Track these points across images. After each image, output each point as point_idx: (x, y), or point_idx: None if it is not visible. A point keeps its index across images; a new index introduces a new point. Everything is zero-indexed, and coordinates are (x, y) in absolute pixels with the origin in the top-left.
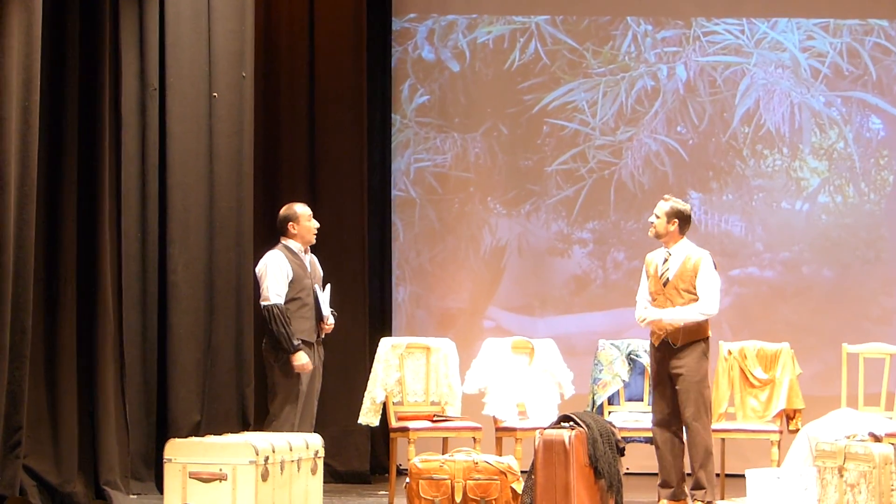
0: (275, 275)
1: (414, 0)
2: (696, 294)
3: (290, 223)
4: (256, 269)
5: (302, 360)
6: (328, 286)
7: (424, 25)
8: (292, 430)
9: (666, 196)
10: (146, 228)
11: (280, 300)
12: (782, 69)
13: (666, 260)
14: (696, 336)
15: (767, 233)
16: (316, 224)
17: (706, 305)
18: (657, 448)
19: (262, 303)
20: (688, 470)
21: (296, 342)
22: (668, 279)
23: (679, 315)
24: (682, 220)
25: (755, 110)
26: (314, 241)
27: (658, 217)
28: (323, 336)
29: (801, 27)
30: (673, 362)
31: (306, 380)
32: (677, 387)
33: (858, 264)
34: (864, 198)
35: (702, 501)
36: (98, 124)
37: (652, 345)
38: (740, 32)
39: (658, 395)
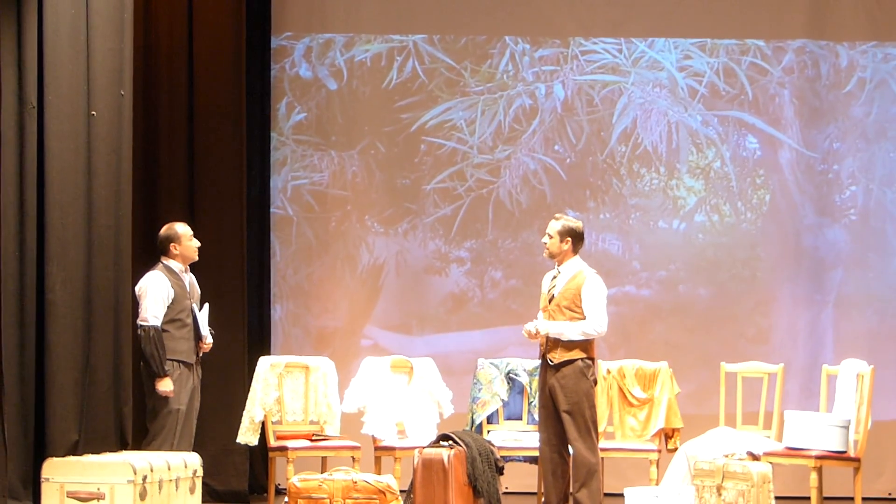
0: (154, 296)
1: (292, 18)
2: (577, 312)
3: (172, 243)
4: (136, 289)
5: (166, 386)
6: (206, 305)
7: (302, 43)
8: (171, 450)
9: (557, 215)
10: (24, 246)
11: (157, 322)
12: (660, 88)
13: (555, 277)
14: (574, 355)
15: (644, 251)
16: (197, 243)
17: (589, 324)
18: (540, 467)
19: (140, 322)
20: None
21: (165, 367)
22: (553, 296)
23: (562, 329)
24: (575, 237)
25: (633, 129)
26: (196, 259)
27: (551, 237)
28: (201, 355)
29: (679, 46)
30: (552, 381)
31: (185, 400)
32: (558, 406)
33: (735, 283)
34: (740, 217)
35: None
36: None
37: (540, 362)
38: (618, 51)
39: (543, 414)
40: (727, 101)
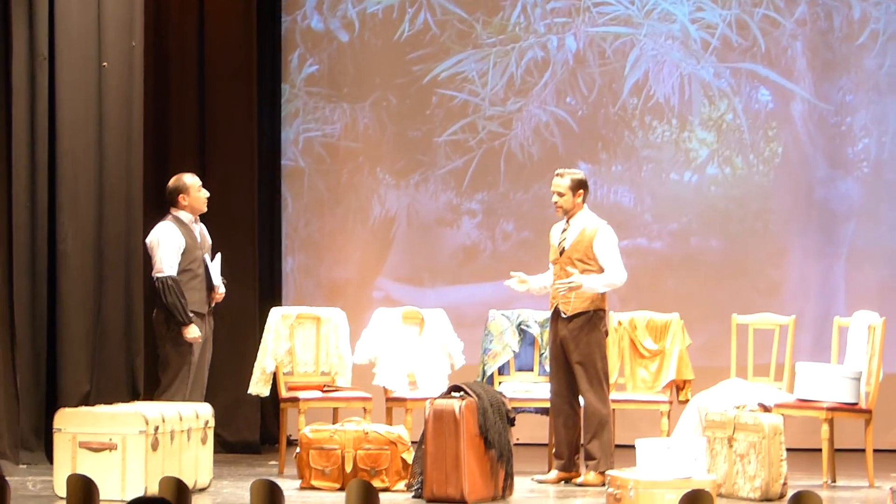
0: (167, 246)
1: None
2: (590, 264)
3: (181, 194)
4: (147, 241)
5: (194, 332)
6: (218, 255)
7: None
8: (183, 401)
9: (559, 171)
10: (35, 197)
11: (173, 272)
12: (672, 40)
13: (564, 230)
14: (586, 306)
15: (656, 204)
16: (206, 194)
17: (611, 276)
18: (551, 418)
19: (156, 275)
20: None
21: (189, 314)
22: (564, 248)
23: (596, 283)
24: (585, 188)
25: (645, 81)
26: (205, 210)
27: (562, 194)
28: (213, 305)
29: None
30: (564, 332)
31: (197, 350)
32: (570, 357)
33: (746, 236)
34: (752, 169)
35: (594, 472)
36: None
37: (551, 313)
38: (630, 3)
39: (554, 366)
40: (739, 53)
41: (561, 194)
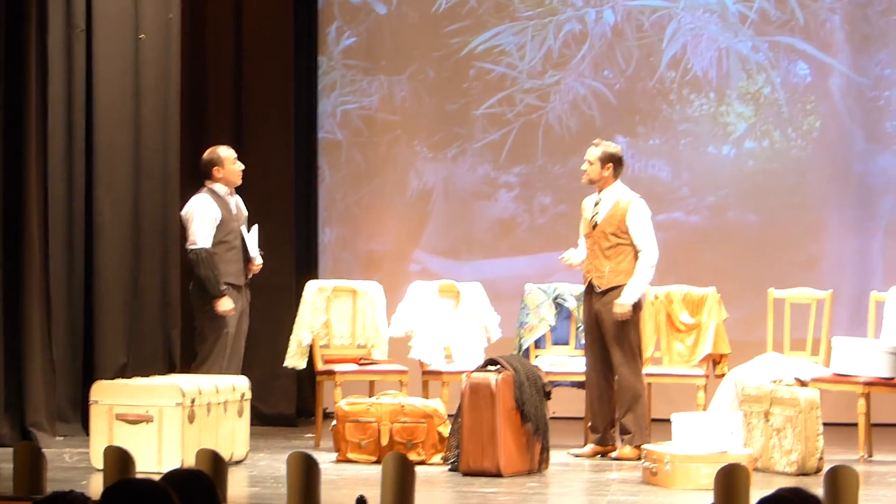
0: (201, 218)
1: None
2: (623, 238)
3: (215, 167)
4: (182, 213)
5: (226, 305)
6: (255, 226)
7: None
8: (220, 373)
9: (595, 141)
10: (72, 170)
11: (207, 244)
12: (710, 14)
13: (597, 203)
14: (620, 280)
15: (693, 177)
16: (241, 166)
17: (648, 257)
18: (587, 392)
19: (189, 247)
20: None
21: (222, 287)
22: (596, 223)
23: (639, 286)
24: (616, 163)
25: (682, 55)
26: (240, 183)
27: (591, 163)
28: (250, 277)
29: None
30: (598, 306)
31: (233, 323)
32: (604, 332)
33: (784, 209)
34: (790, 143)
35: (630, 446)
36: (24, 65)
37: (584, 288)
38: None
39: (588, 340)
40: (777, 26)
41: (590, 163)
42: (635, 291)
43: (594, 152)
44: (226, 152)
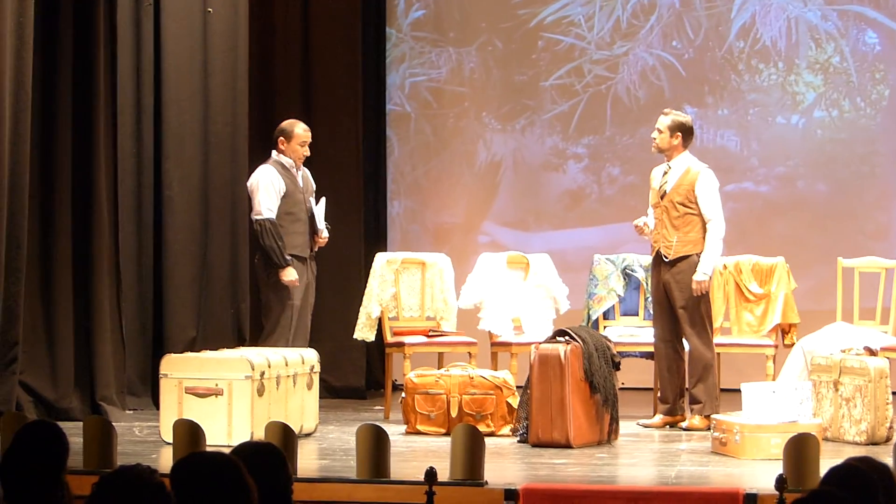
0: (266, 189)
1: None
2: (691, 208)
3: (281, 137)
4: (248, 184)
5: (290, 275)
6: (323, 199)
7: None
8: (287, 346)
9: (666, 110)
10: (141, 144)
11: (271, 214)
12: None
13: (666, 173)
14: (689, 250)
15: (762, 147)
16: (307, 151)
17: (717, 228)
18: (656, 363)
19: (254, 217)
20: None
21: (287, 257)
22: (665, 192)
23: (713, 258)
24: (685, 132)
25: (751, 24)
26: (303, 161)
27: (661, 131)
28: (316, 250)
29: None
30: (667, 277)
31: (299, 295)
32: (673, 302)
33: (853, 179)
34: (859, 112)
35: (699, 416)
36: (93, 40)
37: (652, 258)
38: None
39: (657, 311)
40: None
41: (660, 131)
42: (710, 264)
43: (664, 120)
44: (299, 129)
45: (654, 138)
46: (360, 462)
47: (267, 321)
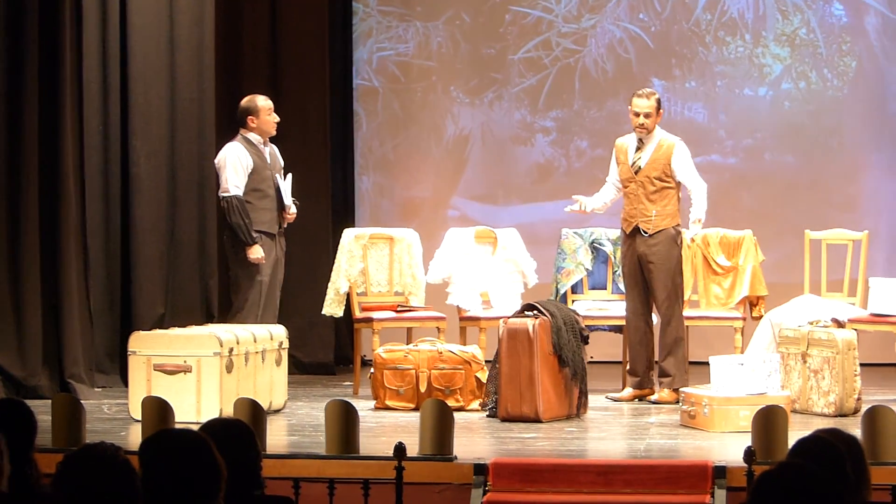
0: (233, 166)
1: None
2: (668, 182)
3: (250, 116)
4: (215, 161)
5: (257, 252)
6: (289, 175)
7: None
8: (256, 322)
9: (640, 91)
10: (108, 121)
11: (238, 192)
12: None
13: (639, 148)
14: (667, 223)
15: (730, 120)
16: (276, 118)
17: (701, 189)
18: (627, 336)
19: (221, 194)
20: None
21: (253, 234)
22: (640, 167)
23: (704, 206)
24: (661, 105)
25: None
26: (273, 134)
27: (649, 115)
28: (285, 226)
29: None
30: (644, 250)
31: (268, 271)
32: (648, 275)
33: (821, 151)
34: (827, 84)
35: (669, 389)
36: (59, 16)
37: (623, 232)
38: None
39: (630, 284)
40: None
41: (648, 115)
42: (701, 209)
43: (647, 103)
44: (263, 102)
45: (643, 124)
46: (330, 438)
47: (236, 298)
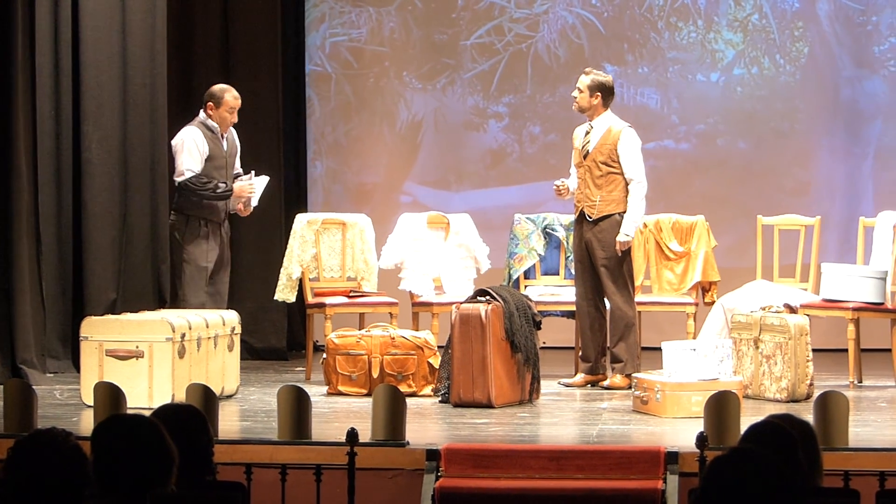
0: (189, 150)
1: None
2: (614, 167)
3: (210, 103)
4: (172, 143)
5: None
6: (266, 178)
7: None
8: (202, 308)
9: (586, 69)
10: (59, 105)
11: (193, 174)
12: None
13: (588, 132)
14: (612, 209)
15: (683, 105)
16: (234, 119)
17: (640, 188)
18: (578, 321)
19: (176, 178)
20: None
21: (226, 191)
22: (588, 151)
23: (637, 217)
24: (605, 92)
25: None
26: (226, 130)
27: (581, 91)
28: (232, 213)
29: None
30: (589, 236)
31: (212, 258)
32: (595, 261)
33: (773, 136)
34: (779, 70)
35: (621, 375)
36: (10, 1)
37: (575, 217)
38: None
39: (579, 269)
40: None
41: (580, 91)
42: (633, 224)
43: (584, 80)
44: (229, 97)
45: (575, 97)
46: (282, 423)
47: (179, 284)
